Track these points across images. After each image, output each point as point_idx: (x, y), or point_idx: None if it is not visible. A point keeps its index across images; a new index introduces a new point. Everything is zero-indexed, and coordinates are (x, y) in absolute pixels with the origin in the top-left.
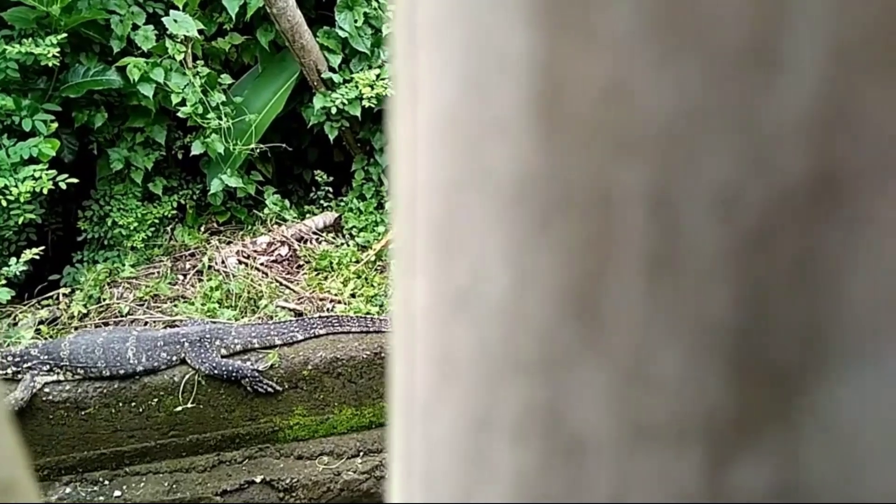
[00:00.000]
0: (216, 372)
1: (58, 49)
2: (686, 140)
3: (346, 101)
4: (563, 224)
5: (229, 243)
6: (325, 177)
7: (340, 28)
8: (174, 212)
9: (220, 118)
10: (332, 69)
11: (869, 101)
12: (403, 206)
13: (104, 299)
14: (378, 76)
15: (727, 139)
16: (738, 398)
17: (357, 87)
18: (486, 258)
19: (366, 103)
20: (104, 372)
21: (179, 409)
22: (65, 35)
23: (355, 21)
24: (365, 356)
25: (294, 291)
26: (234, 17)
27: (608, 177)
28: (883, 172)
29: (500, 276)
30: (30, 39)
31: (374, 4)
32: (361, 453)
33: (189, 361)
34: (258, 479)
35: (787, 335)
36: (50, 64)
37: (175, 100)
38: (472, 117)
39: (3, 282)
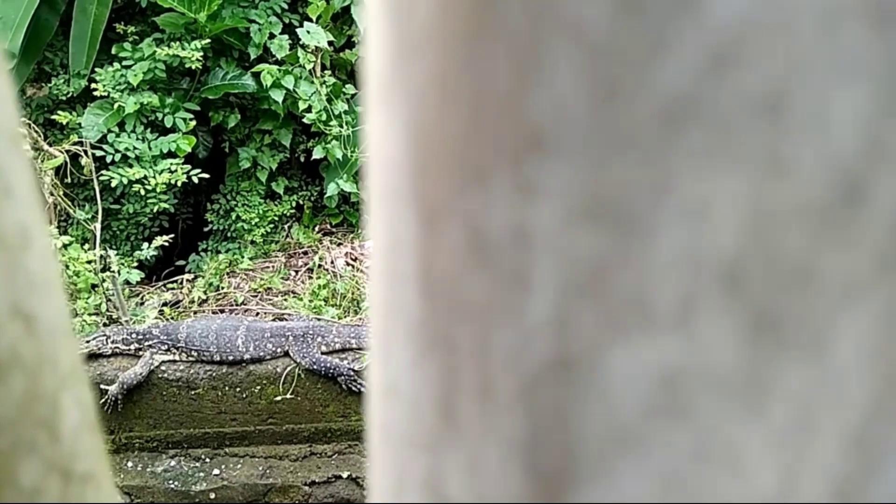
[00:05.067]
0: (315, 367)
1: (201, 53)
2: (490, 319)
3: None
4: (434, 357)
5: (339, 245)
6: None
7: None
8: (292, 211)
9: (342, 126)
10: None
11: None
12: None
13: (222, 288)
14: None
15: (509, 324)
16: (533, 489)
17: None
18: (402, 365)
19: None
20: (215, 356)
21: (279, 398)
22: (208, 40)
23: None
24: None
25: None
26: (362, 30)
27: (459, 330)
28: (606, 352)
29: (409, 380)
30: (177, 43)
31: None
32: None
33: (292, 354)
34: (345, 475)
35: (557, 447)
36: (193, 66)
37: (302, 106)
38: (391, 270)
39: (136, 264)
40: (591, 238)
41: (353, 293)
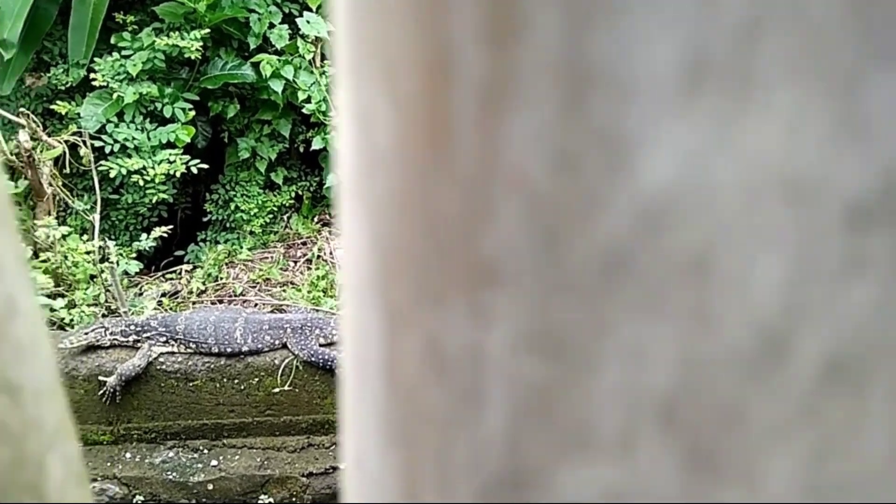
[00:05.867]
0: (313, 359)
1: (200, 43)
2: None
3: None
4: (399, 450)
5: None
6: None
7: None
8: (291, 201)
9: None
10: None
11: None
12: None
13: (221, 278)
14: None
15: (465, 433)
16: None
17: None
18: (370, 448)
19: None
20: (213, 348)
21: (277, 390)
22: (208, 30)
23: None
24: None
25: None
26: None
27: (420, 430)
28: (554, 471)
29: (377, 463)
30: (177, 33)
31: None
32: None
33: (290, 347)
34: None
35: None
36: (193, 56)
37: (301, 96)
38: (360, 358)
39: (134, 254)
40: (538, 366)
41: None
